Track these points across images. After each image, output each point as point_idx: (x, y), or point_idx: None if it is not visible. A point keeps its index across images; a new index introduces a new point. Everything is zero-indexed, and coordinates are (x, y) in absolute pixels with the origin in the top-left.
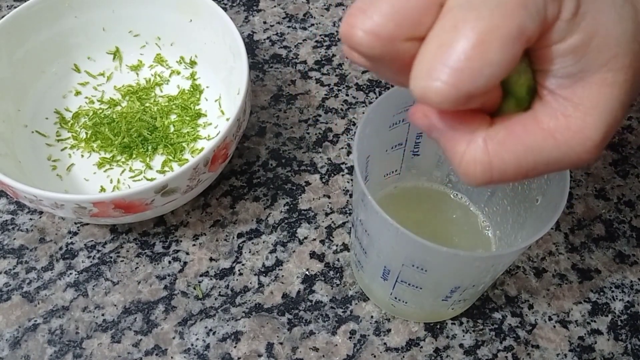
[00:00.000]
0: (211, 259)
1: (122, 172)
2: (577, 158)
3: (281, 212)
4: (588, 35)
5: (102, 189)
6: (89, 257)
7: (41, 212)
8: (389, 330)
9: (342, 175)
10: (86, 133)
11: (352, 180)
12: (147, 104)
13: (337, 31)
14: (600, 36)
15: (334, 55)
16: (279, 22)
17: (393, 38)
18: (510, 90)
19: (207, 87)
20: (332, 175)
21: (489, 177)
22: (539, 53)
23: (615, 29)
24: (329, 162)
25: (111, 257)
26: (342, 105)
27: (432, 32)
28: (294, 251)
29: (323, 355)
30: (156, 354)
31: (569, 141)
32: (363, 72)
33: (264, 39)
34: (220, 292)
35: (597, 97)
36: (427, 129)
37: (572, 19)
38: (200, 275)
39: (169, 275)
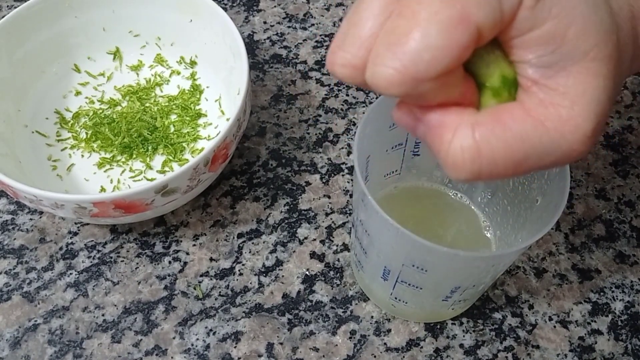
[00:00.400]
0: (211, 259)
1: (123, 172)
2: (569, 148)
3: (281, 212)
4: (563, 23)
5: (102, 189)
6: (89, 257)
7: (41, 212)
8: (389, 331)
9: (343, 175)
10: (86, 133)
11: (352, 180)
12: (148, 104)
13: (337, 31)
14: (577, 24)
15: None
16: (279, 22)
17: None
18: (482, 82)
19: (207, 87)
20: (333, 175)
21: (477, 168)
22: (511, 43)
23: (592, 19)
24: (329, 162)
25: (111, 257)
26: (342, 105)
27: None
28: (294, 251)
29: (323, 356)
30: (156, 354)
31: (560, 129)
32: None
33: (264, 39)
34: (220, 292)
35: (583, 86)
36: (412, 124)
37: (535, 5)
38: (201, 276)
39: (169, 276)
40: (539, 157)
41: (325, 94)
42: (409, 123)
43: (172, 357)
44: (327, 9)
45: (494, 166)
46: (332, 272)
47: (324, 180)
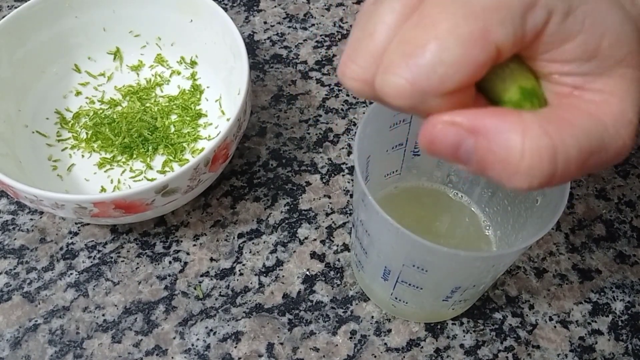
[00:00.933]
0: (212, 259)
1: (123, 172)
2: (622, 144)
3: (282, 212)
4: (597, 35)
5: (103, 189)
6: (89, 257)
7: (42, 213)
8: (389, 331)
9: (343, 175)
10: (87, 133)
11: (352, 180)
12: (148, 104)
13: (337, 31)
14: (611, 35)
15: (334, 56)
16: (279, 22)
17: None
18: (499, 98)
19: (208, 87)
20: (333, 175)
21: (554, 169)
22: (541, 57)
23: (623, 29)
24: (330, 162)
25: (112, 257)
26: (343, 105)
27: (402, 28)
28: (294, 251)
29: (323, 356)
30: (157, 354)
31: (616, 123)
32: None
33: (265, 39)
34: (220, 292)
35: (627, 86)
36: (457, 140)
37: (565, 20)
38: (201, 276)
39: (169, 276)
40: (599, 155)
41: (326, 94)
42: (449, 139)
43: (172, 357)
44: (328, 9)
45: (568, 165)
46: (332, 272)
47: (325, 181)
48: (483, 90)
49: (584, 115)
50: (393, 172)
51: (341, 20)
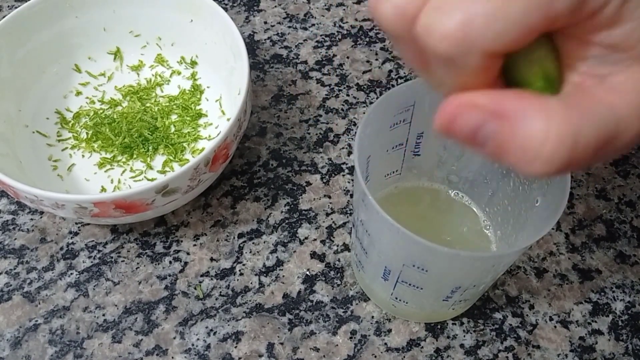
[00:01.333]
0: (212, 259)
1: (123, 172)
2: (636, 132)
3: (282, 212)
4: (637, 28)
5: (103, 189)
6: (89, 257)
7: (42, 212)
8: (389, 331)
9: (343, 175)
10: (87, 133)
11: (352, 180)
12: (148, 104)
13: (337, 31)
14: None
15: (334, 56)
16: (279, 22)
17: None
18: (522, 81)
19: (208, 87)
20: (333, 175)
21: (571, 156)
22: (584, 38)
23: None
24: (330, 162)
25: (112, 257)
26: (343, 105)
27: None
28: (294, 251)
29: (324, 356)
30: (157, 354)
31: (631, 114)
32: (364, 72)
33: (265, 39)
34: (221, 292)
35: None
36: (479, 122)
37: (622, 5)
38: (201, 276)
39: (169, 276)
40: (614, 143)
41: (326, 94)
42: (471, 121)
43: (172, 357)
44: (328, 9)
45: (586, 152)
46: (332, 272)
47: (325, 181)
48: (505, 69)
49: (603, 105)
50: (393, 172)
51: (341, 20)
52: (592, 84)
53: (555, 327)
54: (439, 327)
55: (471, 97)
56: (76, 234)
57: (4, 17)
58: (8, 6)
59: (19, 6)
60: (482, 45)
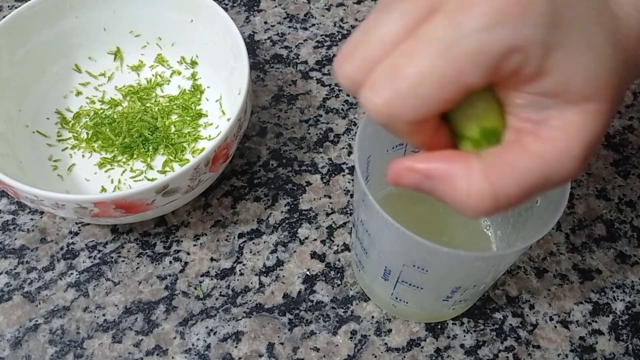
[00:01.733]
0: (212, 259)
1: (123, 172)
2: (567, 174)
3: (282, 212)
4: (568, 74)
5: (103, 189)
6: (89, 257)
7: (42, 212)
8: (389, 331)
9: (343, 175)
10: (87, 133)
11: (353, 180)
12: (148, 104)
13: (337, 31)
14: (579, 77)
15: (334, 56)
16: (279, 22)
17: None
18: (461, 131)
19: (208, 87)
20: (333, 175)
21: (496, 206)
22: (509, 88)
23: (594, 69)
24: (330, 162)
25: (112, 257)
26: (343, 105)
27: (396, 49)
28: (294, 251)
29: (324, 356)
30: (157, 354)
31: (559, 160)
32: None
33: (265, 39)
34: (221, 292)
35: (582, 122)
36: (417, 182)
37: (539, 63)
38: (201, 276)
39: (169, 276)
40: (544, 185)
41: (326, 94)
42: (411, 181)
43: (172, 357)
44: (328, 9)
45: (509, 200)
46: (332, 272)
47: (325, 181)
48: (448, 119)
49: (528, 157)
50: None
51: (341, 20)
52: (532, 129)
53: (555, 327)
54: (439, 327)
55: (409, 162)
56: (76, 234)
57: (4, 17)
58: (8, 6)
59: (19, 6)
60: (405, 117)
